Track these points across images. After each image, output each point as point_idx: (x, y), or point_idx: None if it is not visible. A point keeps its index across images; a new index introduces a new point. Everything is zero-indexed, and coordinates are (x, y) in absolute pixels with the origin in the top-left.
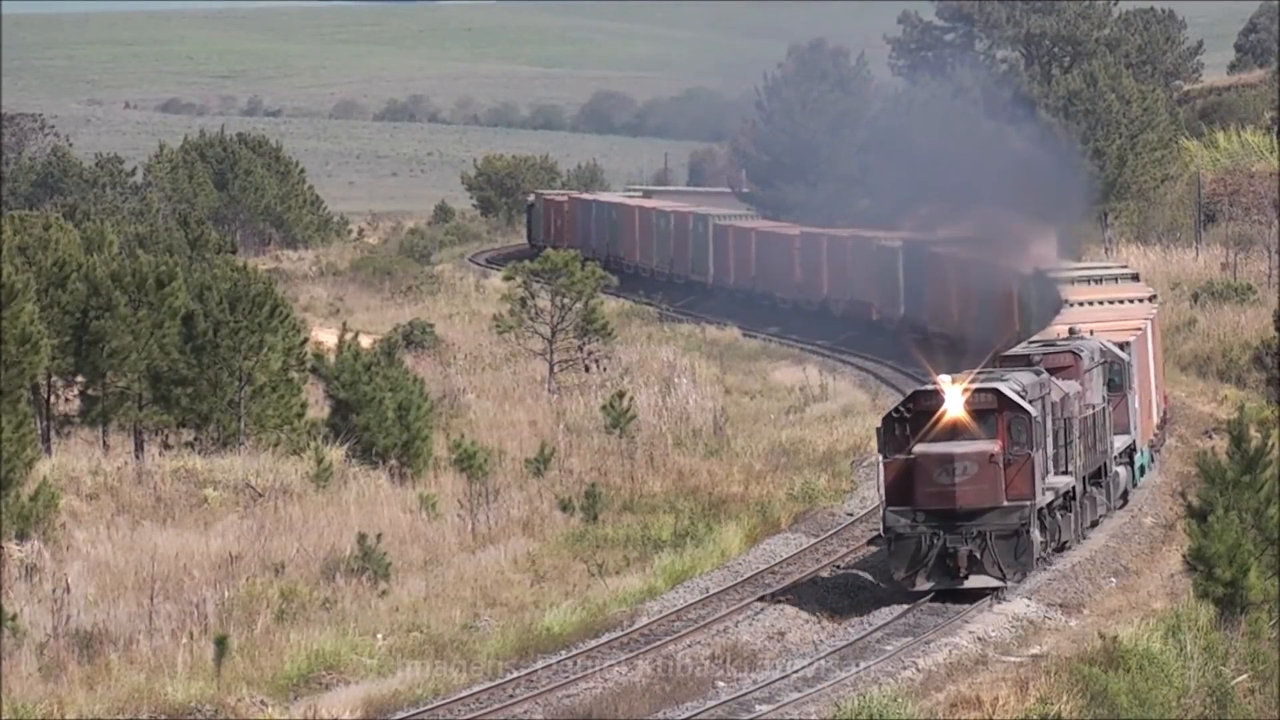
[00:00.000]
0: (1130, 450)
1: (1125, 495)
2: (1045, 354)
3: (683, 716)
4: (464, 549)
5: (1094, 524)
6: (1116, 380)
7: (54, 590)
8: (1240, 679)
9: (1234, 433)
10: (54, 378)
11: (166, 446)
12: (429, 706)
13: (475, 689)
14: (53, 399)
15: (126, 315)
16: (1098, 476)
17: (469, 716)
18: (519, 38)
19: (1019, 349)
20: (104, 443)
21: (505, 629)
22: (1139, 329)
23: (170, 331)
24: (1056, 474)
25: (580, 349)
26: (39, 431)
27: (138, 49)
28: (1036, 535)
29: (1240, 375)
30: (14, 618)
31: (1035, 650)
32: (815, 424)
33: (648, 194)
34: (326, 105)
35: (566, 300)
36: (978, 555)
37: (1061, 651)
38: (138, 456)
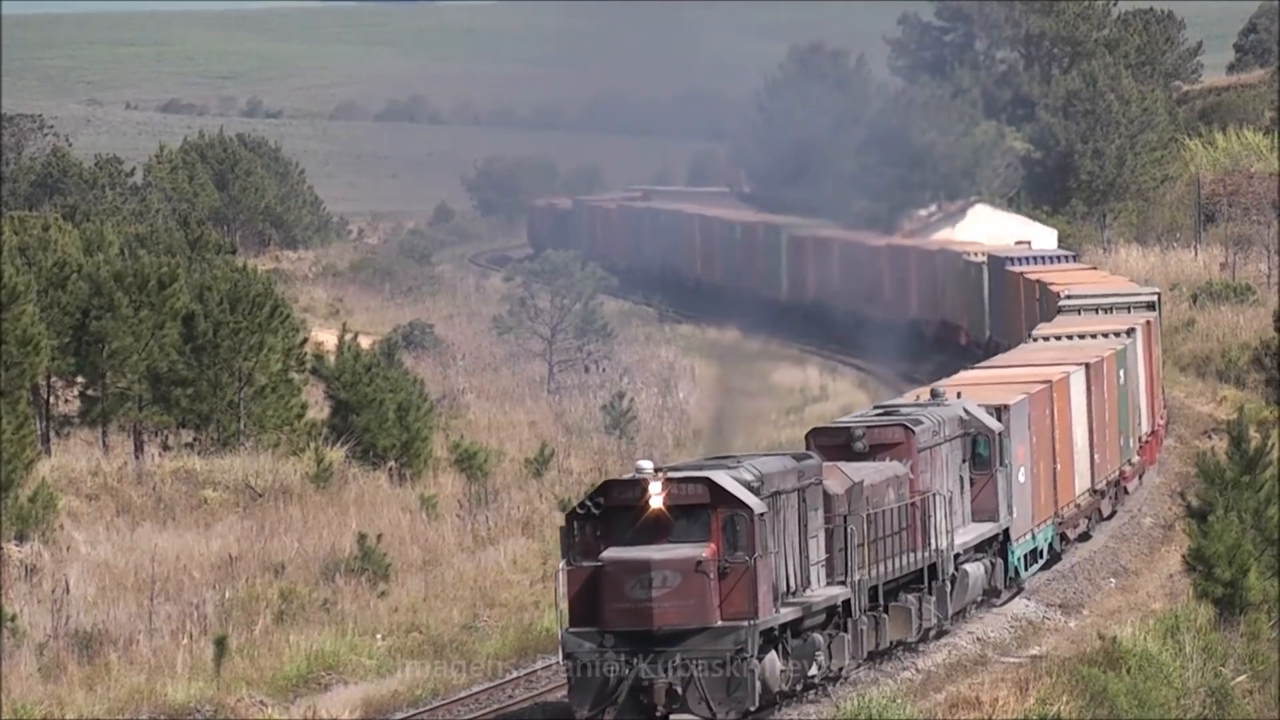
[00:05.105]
0: (1000, 539)
1: (1004, 589)
2: (869, 429)
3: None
4: (463, 549)
5: (924, 637)
6: (985, 454)
7: (54, 591)
8: (1239, 679)
9: (1233, 433)
10: (54, 378)
11: (166, 447)
12: (428, 707)
13: (475, 689)
14: (52, 399)
15: (127, 316)
16: (923, 579)
17: (469, 717)
18: (519, 38)
19: (847, 420)
20: (104, 443)
21: (505, 629)
22: (1045, 381)
23: (170, 332)
24: (831, 582)
25: (580, 350)
26: (39, 432)
27: (138, 50)
28: (771, 663)
29: (1239, 376)
30: (14, 618)
31: (1035, 651)
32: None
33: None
34: (326, 106)
35: (566, 301)
36: (679, 689)
37: (1061, 652)
38: (137, 457)
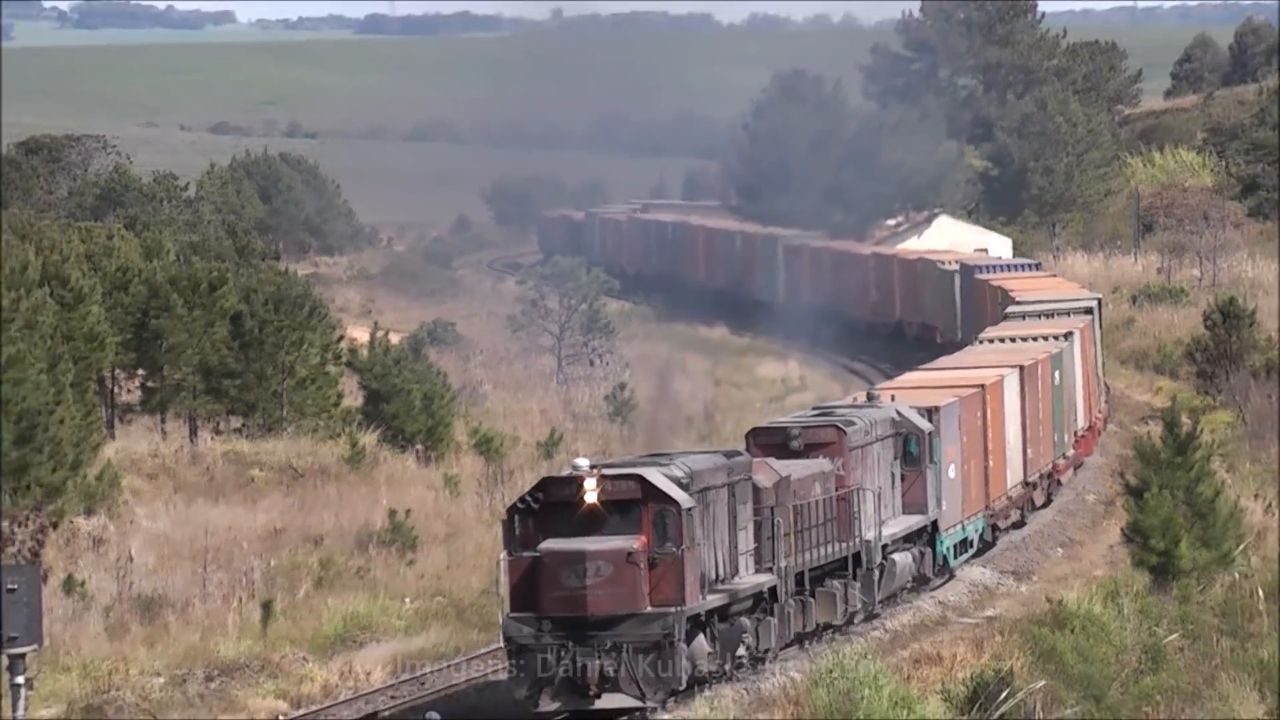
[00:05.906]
0: (929, 531)
1: (933, 576)
2: (805, 429)
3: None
4: (482, 523)
5: (850, 620)
6: (915, 453)
7: (118, 560)
8: (1171, 638)
9: (1167, 419)
10: (117, 371)
11: (217, 432)
12: (452, 662)
13: (493, 646)
14: (116, 390)
15: (182, 315)
16: (848, 567)
17: (487, 672)
18: (531, 65)
19: (785, 421)
20: (162, 429)
21: None
22: (978, 385)
23: (220, 330)
24: (759, 570)
25: (585, 345)
26: (104, 419)
27: (190, 77)
28: (699, 646)
29: (1174, 369)
30: (83, 584)
31: (990, 612)
32: (795, 411)
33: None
34: (359, 127)
35: (573, 302)
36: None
37: (1013, 614)
38: (192, 441)
